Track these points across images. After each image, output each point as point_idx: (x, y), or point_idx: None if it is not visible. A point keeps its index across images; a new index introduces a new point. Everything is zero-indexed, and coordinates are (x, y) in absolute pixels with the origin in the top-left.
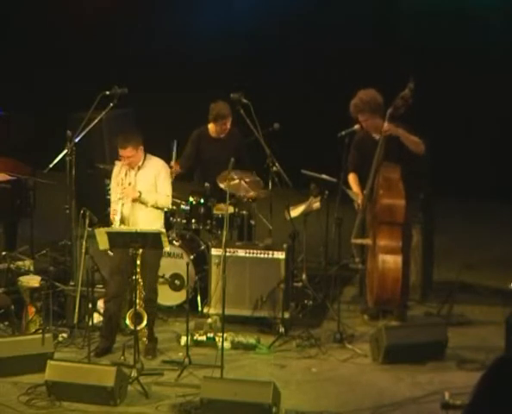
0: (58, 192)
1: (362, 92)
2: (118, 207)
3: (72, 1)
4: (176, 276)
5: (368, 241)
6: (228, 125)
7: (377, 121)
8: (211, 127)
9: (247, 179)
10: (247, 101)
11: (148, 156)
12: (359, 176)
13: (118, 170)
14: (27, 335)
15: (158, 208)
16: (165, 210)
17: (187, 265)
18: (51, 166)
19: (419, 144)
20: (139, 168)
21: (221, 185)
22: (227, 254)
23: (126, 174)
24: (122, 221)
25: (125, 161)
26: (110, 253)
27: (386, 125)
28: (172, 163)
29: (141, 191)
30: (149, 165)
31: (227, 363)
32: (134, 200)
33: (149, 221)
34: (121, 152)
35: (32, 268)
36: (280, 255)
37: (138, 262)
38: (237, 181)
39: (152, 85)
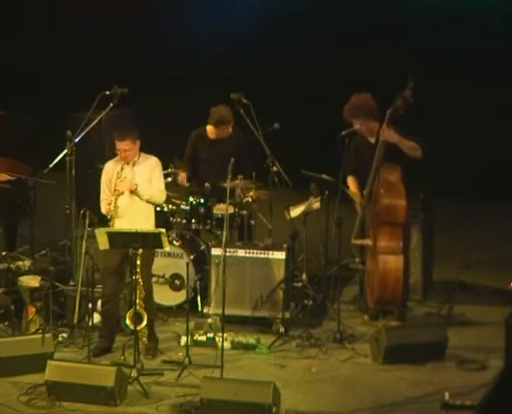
0: (58, 192)
1: (355, 97)
2: (113, 199)
3: (73, 1)
4: (176, 276)
5: (368, 242)
6: (230, 129)
7: (371, 124)
8: (210, 129)
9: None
10: (247, 101)
11: (143, 154)
12: (357, 179)
13: (111, 166)
14: (27, 335)
15: (153, 202)
16: (158, 204)
17: (187, 265)
18: (51, 166)
19: (415, 149)
20: (134, 163)
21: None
22: (227, 254)
23: (122, 168)
24: (117, 214)
25: (121, 154)
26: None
27: (384, 131)
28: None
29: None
30: (144, 161)
31: (227, 363)
32: (131, 192)
33: (143, 217)
34: (119, 144)
35: (32, 268)
36: (280, 255)
37: (138, 262)
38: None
39: (152, 85)
